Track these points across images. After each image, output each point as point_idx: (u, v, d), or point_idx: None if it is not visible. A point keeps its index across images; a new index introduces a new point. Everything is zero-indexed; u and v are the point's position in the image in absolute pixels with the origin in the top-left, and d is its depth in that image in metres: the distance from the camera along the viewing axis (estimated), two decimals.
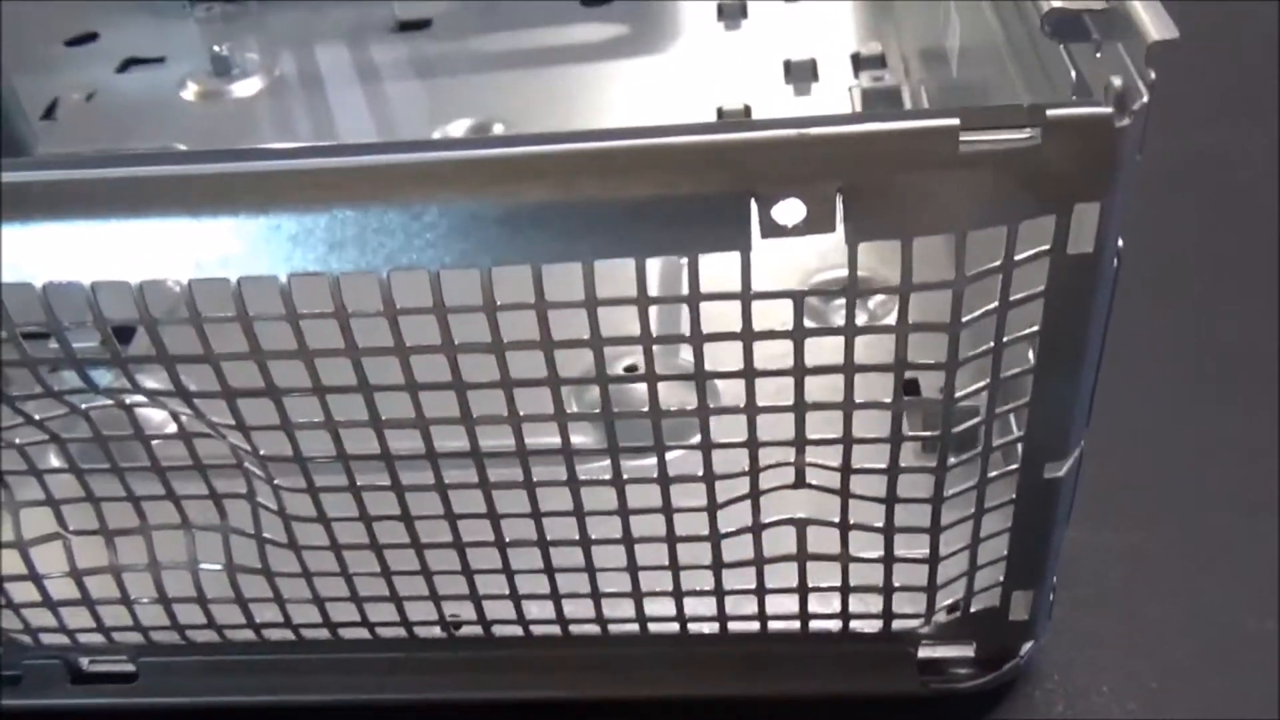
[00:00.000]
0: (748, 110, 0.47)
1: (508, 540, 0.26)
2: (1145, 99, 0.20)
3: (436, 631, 0.29)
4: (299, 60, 0.55)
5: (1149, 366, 0.38)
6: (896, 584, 0.27)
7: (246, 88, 0.53)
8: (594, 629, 0.29)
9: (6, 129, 0.44)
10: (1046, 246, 0.21)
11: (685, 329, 0.22)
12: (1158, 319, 0.40)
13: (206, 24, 0.58)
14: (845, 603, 0.27)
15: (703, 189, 0.20)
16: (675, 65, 0.51)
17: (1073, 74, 0.24)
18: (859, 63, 0.49)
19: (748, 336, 0.22)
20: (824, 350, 0.23)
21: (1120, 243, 0.22)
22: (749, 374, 0.23)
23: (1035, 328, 0.22)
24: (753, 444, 0.24)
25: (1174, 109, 0.48)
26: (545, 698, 0.30)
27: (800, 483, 0.25)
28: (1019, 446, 0.25)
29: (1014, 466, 0.25)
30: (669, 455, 0.24)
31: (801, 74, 0.49)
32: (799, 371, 0.23)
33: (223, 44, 0.53)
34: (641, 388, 0.23)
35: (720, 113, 0.47)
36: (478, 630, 0.29)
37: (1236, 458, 0.35)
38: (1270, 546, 0.32)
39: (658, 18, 0.54)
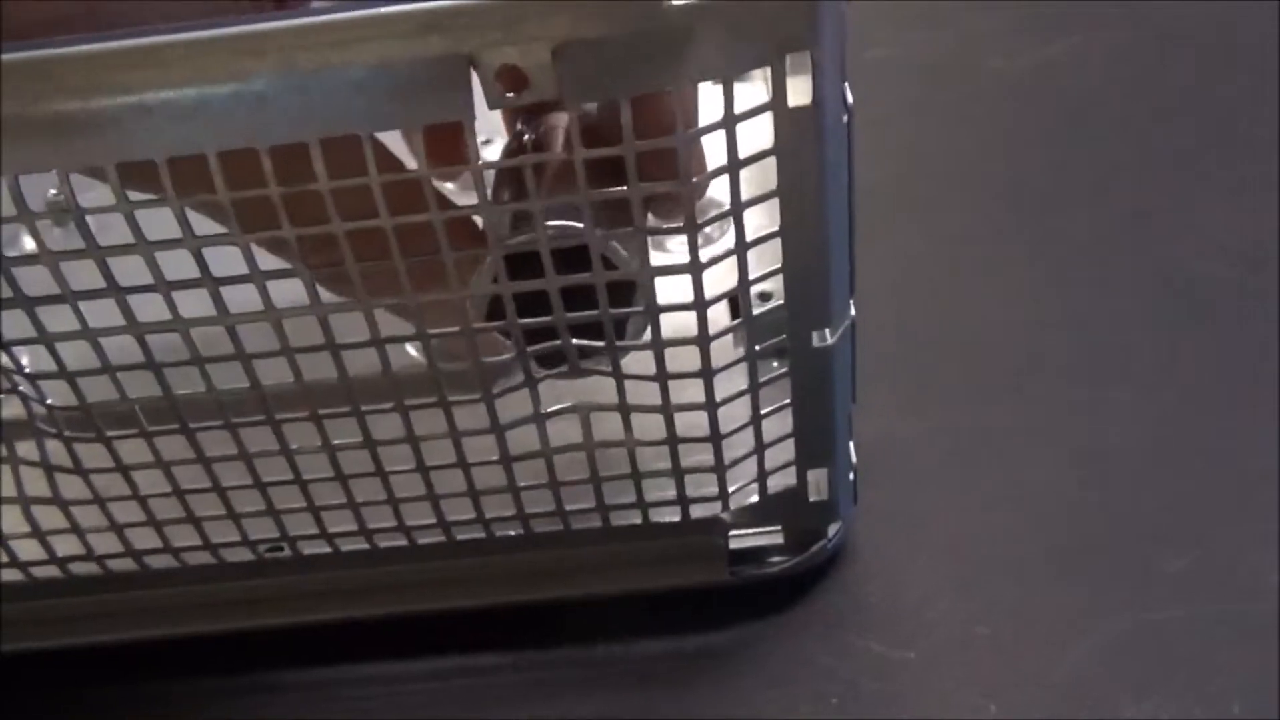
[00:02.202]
0: None
1: (293, 448, 0.26)
2: None
3: (247, 555, 0.29)
4: None
5: (979, 257, 0.39)
6: (685, 466, 0.27)
7: None
8: (400, 540, 0.29)
9: None
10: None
11: None
12: (992, 212, 0.40)
13: None
14: (639, 490, 0.28)
15: (421, 54, 0.20)
16: None
17: None
18: None
19: (485, 209, 0.22)
20: None
21: (850, 98, 0.23)
22: (497, 248, 0.23)
23: (773, 187, 0.23)
24: (513, 324, 0.24)
25: (1023, 24, 0.49)
26: (354, 617, 0.30)
27: (575, 369, 0.25)
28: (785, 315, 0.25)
29: (781, 337, 0.25)
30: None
31: None
32: (544, 244, 0.23)
33: None
34: None
35: None
36: (288, 553, 0.29)
37: (1054, 339, 0.36)
38: (1084, 417, 0.33)
39: None
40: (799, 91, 0.22)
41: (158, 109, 0.21)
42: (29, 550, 0.28)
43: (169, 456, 0.27)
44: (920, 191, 0.42)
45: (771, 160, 0.23)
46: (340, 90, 0.21)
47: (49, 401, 0.26)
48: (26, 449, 0.27)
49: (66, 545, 0.28)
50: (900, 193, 0.41)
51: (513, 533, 0.29)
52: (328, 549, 0.29)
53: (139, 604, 0.30)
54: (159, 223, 0.23)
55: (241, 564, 0.29)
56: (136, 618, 0.30)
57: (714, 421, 0.26)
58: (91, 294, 0.23)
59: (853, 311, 0.26)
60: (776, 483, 0.28)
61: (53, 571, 0.29)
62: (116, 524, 0.28)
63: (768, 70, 0.26)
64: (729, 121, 0.22)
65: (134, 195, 0.22)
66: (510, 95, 0.21)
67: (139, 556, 0.29)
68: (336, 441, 0.26)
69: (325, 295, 0.24)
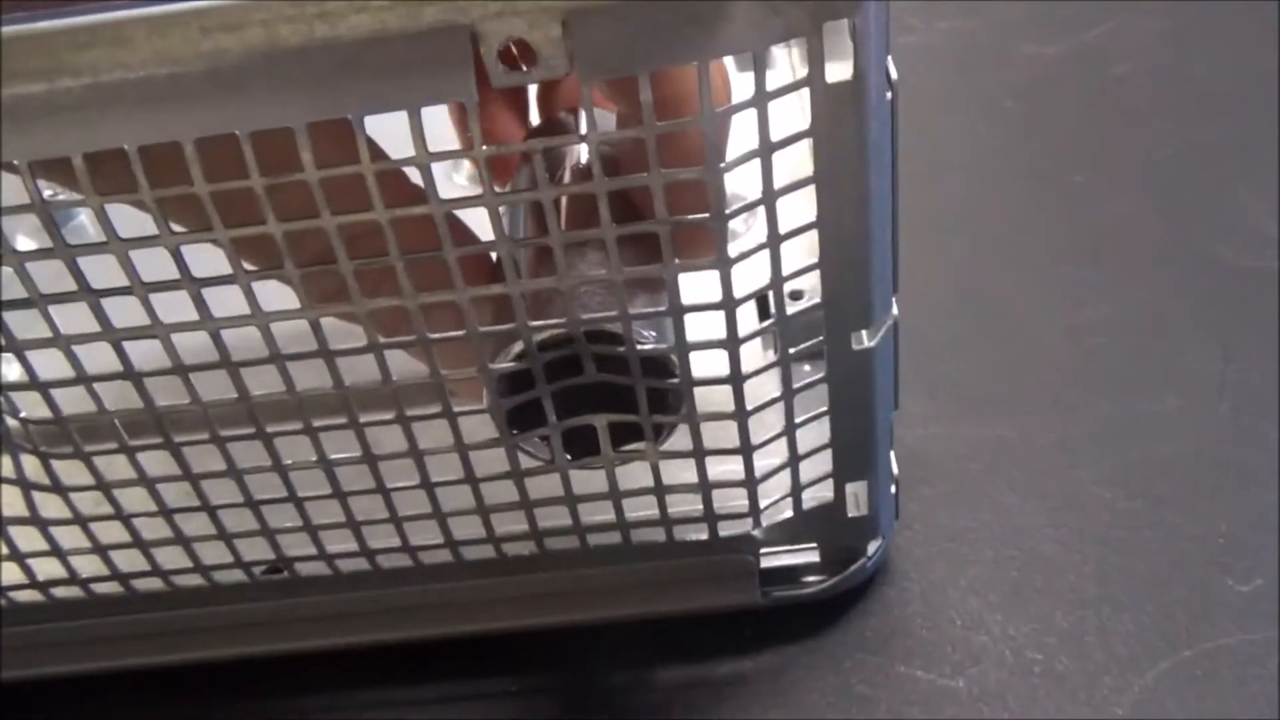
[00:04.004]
0: None
1: (287, 463, 0.24)
2: None
3: (240, 576, 0.27)
4: None
5: (1019, 255, 0.36)
6: (713, 479, 0.25)
7: None
8: (404, 561, 0.27)
9: None
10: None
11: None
12: (1029, 205, 0.38)
13: None
14: (662, 505, 0.25)
15: (416, 26, 0.18)
16: None
17: None
18: None
19: (490, 202, 0.20)
20: None
21: (894, 73, 0.21)
22: (502, 242, 0.21)
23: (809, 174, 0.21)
24: (523, 324, 0.22)
25: (1056, 10, 0.47)
26: (356, 643, 0.28)
27: (590, 372, 0.23)
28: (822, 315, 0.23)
29: (818, 339, 0.23)
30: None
31: None
32: (557, 240, 0.21)
33: None
34: None
35: None
36: (286, 574, 0.27)
37: (1101, 343, 0.33)
38: (1134, 426, 0.31)
39: None
40: (837, 67, 0.19)
41: (128, 93, 0.19)
42: (8, 574, 0.26)
43: (155, 473, 0.25)
44: (951, 183, 0.39)
45: (798, 149, 0.21)
46: (329, 68, 0.19)
47: (22, 414, 0.24)
48: (5, 466, 0.25)
49: (47, 568, 0.26)
50: (931, 185, 0.39)
51: (526, 552, 0.27)
52: (327, 570, 0.27)
53: (127, 630, 0.28)
54: (141, 222, 0.21)
55: (236, 586, 0.27)
56: (124, 644, 0.28)
57: (744, 431, 0.24)
58: (60, 297, 0.21)
59: (895, 310, 0.24)
60: (812, 497, 0.26)
61: (34, 596, 0.27)
62: (99, 545, 0.26)
63: (791, 51, 0.24)
64: (761, 100, 0.19)
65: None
66: (517, 72, 0.19)
67: (125, 580, 0.27)
68: (333, 456, 0.24)
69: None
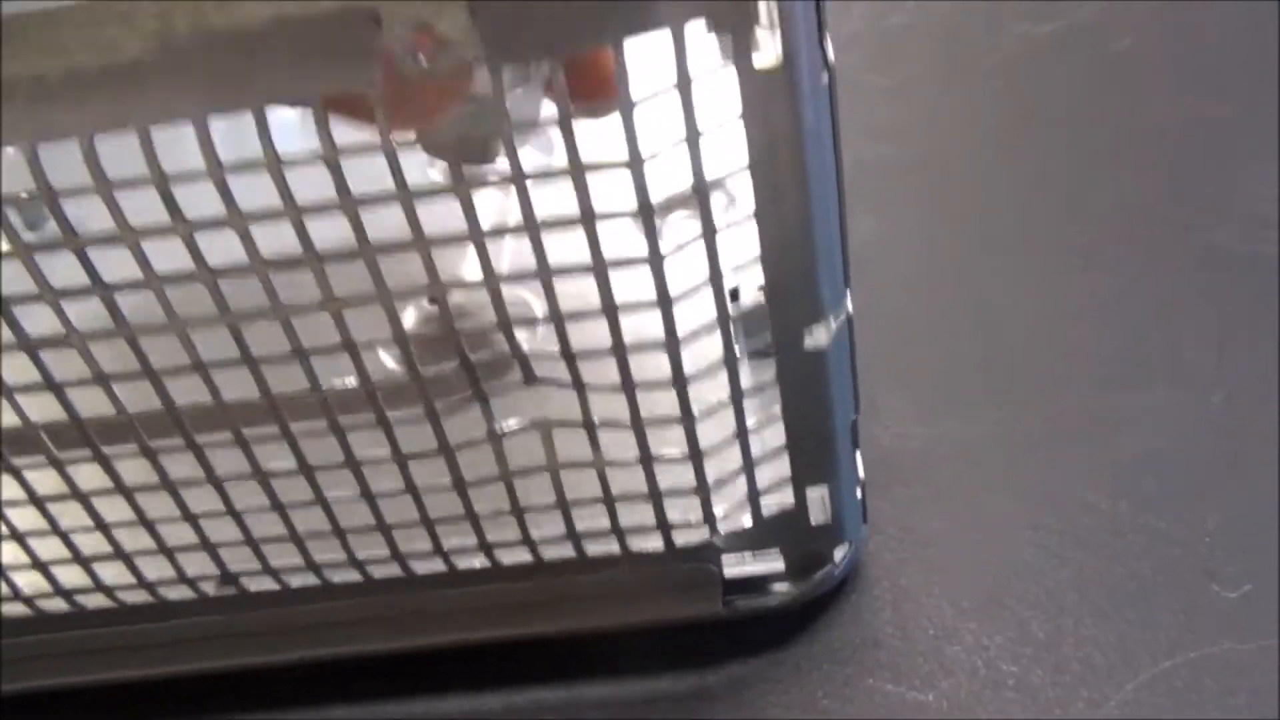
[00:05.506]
0: None
1: (218, 474, 0.23)
2: None
3: (187, 592, 0.26)
4: None
5: (1007, 242, 0.35)
6: (664, 487, 0.24)
7: None
8: (353, 575, 0.26)
9: None
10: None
11: None
12: (1018, 188, 0.37)
13: None
14: (613, 515, 0.24)
15: (317, 12, 0.17)
16: None
17: None
18: None
19: (405, 199, 0.19)
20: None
21: (831, 55, 0.19)
22: (420, 245, 0.20)
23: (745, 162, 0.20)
24: (446, 322, 0.21)
25: None
26: (307, 658, 0.27)
27: (529, 377, 0.22)
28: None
29: (764, 335, 0.22)
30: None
31: None
32: (476, 235, 0.20)
33: None
34: None
35: None
36: (232, 589, 0.26)
37: (1090, 333, 0.32)
38: (1122, 420, 0.29)
39: None
40: (764, 50, 0.18)
41: (19, 90, 0.18)
42: None
43: (96, 486, 0.24)
44: (942, 166, 0.38)
45: None
46: (226, 59, 0.18)
47: None
48: None
49: None
50: (920, 167, 0.38)
51: (477, 564, 0.26)
52: (275, 585, 0.26)
53: (76, 645, 0.27)
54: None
55: (186, 602, 0.26)
56: (73, 661, 0.27)
57: (691, 436, 0.23)
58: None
59: (849, 306, 0.23)
60: (773, 503, 0.25)
61: None
62: (37, 560, 0.25)
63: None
64: (683, 83, 0.18)
65: None
66: (423, 60, 0.18)
67: (68, 596, 0.26)
68: (268, 466, 0.23)
69: (235, 303, 0.21)
